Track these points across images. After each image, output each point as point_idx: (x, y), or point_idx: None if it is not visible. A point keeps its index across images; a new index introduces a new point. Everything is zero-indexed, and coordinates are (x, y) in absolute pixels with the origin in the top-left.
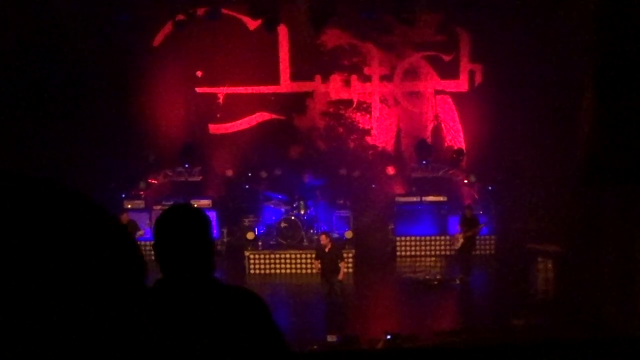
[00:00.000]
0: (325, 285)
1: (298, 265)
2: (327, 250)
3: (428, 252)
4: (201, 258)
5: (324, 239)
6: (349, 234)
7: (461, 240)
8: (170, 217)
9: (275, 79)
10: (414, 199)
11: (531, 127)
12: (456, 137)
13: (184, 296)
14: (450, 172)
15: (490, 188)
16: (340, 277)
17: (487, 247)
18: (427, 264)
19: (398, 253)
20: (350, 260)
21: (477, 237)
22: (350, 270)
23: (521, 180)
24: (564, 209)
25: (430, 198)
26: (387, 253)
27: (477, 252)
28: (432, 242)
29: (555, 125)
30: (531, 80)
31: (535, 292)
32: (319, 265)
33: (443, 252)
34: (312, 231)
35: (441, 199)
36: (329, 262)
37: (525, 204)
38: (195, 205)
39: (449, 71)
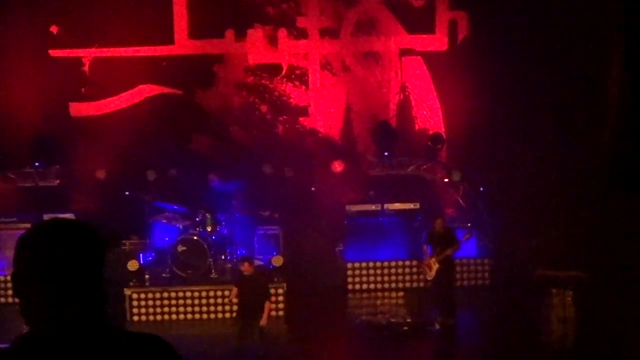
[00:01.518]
0: (243, 332)
1: (203, 308)
2: (248, 281)
3: (393, 285)
4: (85, 297)
5: (247, 268)
6: (277, 260)
7: (434, 267)
8: (39, 238)
9: (167, 37)
10: (373, 207)
11: (538, 104)
12: (432, 117)
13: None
14: (425, 167)
15: (481, 190)
16: (263, 322)
17: (480, 275)
18: (393, 301)
19: (350, 286)
20: (280, 297)
21: (468, 262)
22: (280, 312)
23: (526, 182)
24: (585, 223)
25: (397, 206)
26: (334, 287)
27: (464, 282)
28: (399, 270)
29: (571, 107)
30: (538, 39)
31: (549, 339)
32: (236, 299)
33: (414, 285)
34: (223, 257)
35: (412, 206)
36: (250, 298)
37: (532, 214)
38: (72, 219)
39: (420, 22)
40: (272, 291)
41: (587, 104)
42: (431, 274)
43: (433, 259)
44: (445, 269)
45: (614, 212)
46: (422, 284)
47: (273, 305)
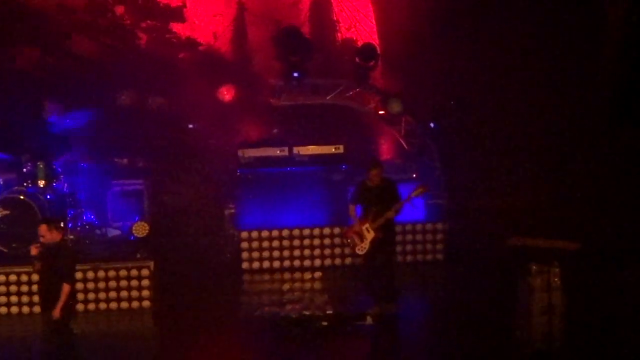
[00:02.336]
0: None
1: (32, 298)
2: (47, 254)
3: (307, 263)
4: None
5: (45, 233)
6: (140, 229)
7: (368, 236)
8: None
9: None
10: (277, 152)
11: (515, 9)
12: (361, 22)
13: None
14: (351, 94)
15: (432, 127)
16: (55, 313)
17: (431, 247)
18: (307, 285)
19: (246, 265)
20: (144, 282)
21: (414, 229)
22: (144, 302)
23: (495, 117)
24: (577, 175)
25: (311, 150)
26: (223, 265)
27: (409, 257)
28: (315, 242)
29: (561, 23)
30: None
31: (528, 335)
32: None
33: (337, 262)
34: (63, 225)
35: (332, 150)
36: (45, 278)
37: (503, 163)
38: None
39: None
40: (134, 272)
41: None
42: (363, 247)
43: (366, 225)
44: (383, 238)
45: (615, 159)
46: (348, 261)
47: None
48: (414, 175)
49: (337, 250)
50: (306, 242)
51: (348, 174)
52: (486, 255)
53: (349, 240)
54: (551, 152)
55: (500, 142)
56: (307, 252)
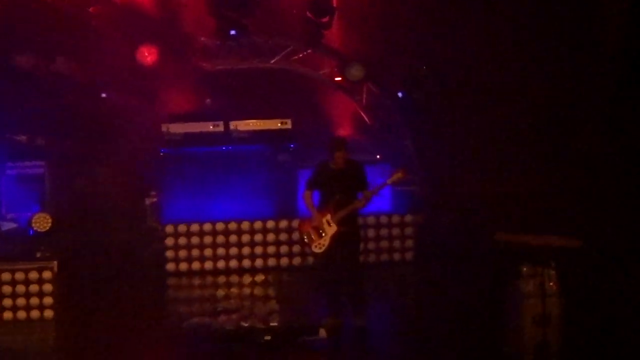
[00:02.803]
0: None
1: None
2: None
3: (247, 263)
4: None
5: None
6: (41, 221)
7: (329, 231)
8: None
9: None
10: (210, 127)
11: None
12: None
13: None
14: (303, 56)
15: (400, 97)
16: None
17: (399, 244)
18: (246, 291)
19: (171, 266)
20: (46, 286)
21: (378, 221)
22: (46, 312)
23: (479, 84)
24: (576, 157)
25: (253, 125)
26: (143, 266)
27: (373, 257)
28: (257, 238)
29: None
30: None
31: (519, 349)
32: None
33: (284, 262)
34: None
35: (279, 125)
36: None
37: (487, 142)
38: None
39: None
40: (34, 275)
41: None
42: (321, 243)
43: (327, 217)
44: (347, 233)
45: (618, 145)
46: (298, 261)
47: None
48: (378, 157)
49: (284, 248)
50: (245, 238)
51: (297, 155)
52: (466, 254)
53: (304, 236)
54: (546, 133)
55: (485, 119)
56: (246, 250)
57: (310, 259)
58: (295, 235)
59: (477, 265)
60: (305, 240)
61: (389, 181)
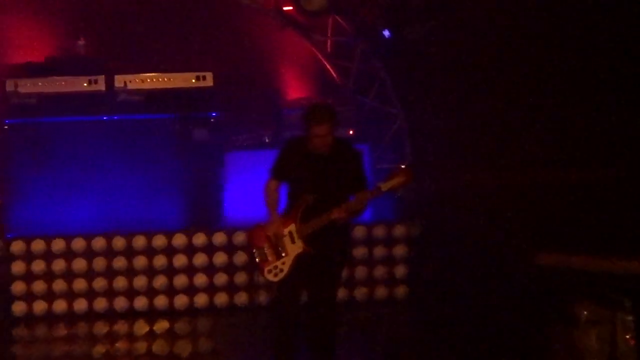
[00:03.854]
0: None
1: None
2: None
3: (141, 305)
4: None
5: None
6: None
7: (292, 249)
8: None
9: None
10: (85, 85)
11: None
12: None
13: None
14: None
15: (387, 37)
16: None
17: (382, 273)
18: (140, 350)
19: (21, 308)
20: None
21: (355, 236)
22: None
23: (495, 33)
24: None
25: (152, 82)
26: None
27: (339, 294)
28: (160, 261)
29: None
30: None
31: None
32: None
33: (204, 302)
34: None
35: (193, 82)
36: None
37: (509, 111)
38: None
39: None
40: None
41: None
42: (279, 267)
43: (291, 227)
44: (319, 258)
45: None
46: (223, 300)
47: None
48: (351, 132)
49: (202, 280)
50: (140, 261)
51: (223, 129)
52: (487, 287)
53: (255, 253)
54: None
55: (505, 75)
56: (141, 281)
57: (263, 295)
58: (237, 256)
59: (506, 305)
60: (256, 259)
61: (384, 186)
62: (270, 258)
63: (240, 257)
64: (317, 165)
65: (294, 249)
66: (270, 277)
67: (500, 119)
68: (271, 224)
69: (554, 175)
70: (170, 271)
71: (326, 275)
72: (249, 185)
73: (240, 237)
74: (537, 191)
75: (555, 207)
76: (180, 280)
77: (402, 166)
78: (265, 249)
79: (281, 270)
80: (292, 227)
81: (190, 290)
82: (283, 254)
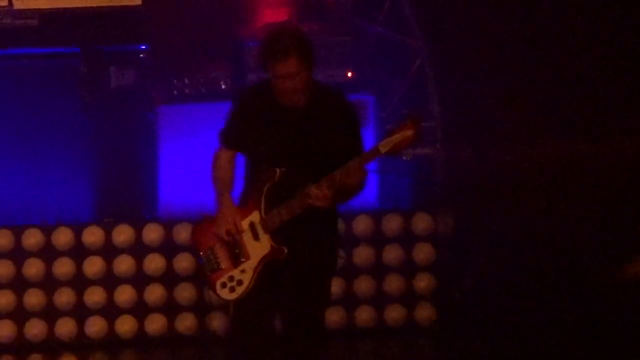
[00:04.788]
0: None
1: None
2: None
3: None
4: None
5: None
6: None
7: (256, 250)
8: None
9: None
10: None
11: None
12: None
13: None
14: None
15: None
16: None
17: (404, 288)
18: None
19: None
20: None
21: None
22: None
23: None
24: None
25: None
26: None
27: (334, 318)
28: (64, 268)
29: None
30: None
31: None
32: None
33: (126, 333)
34: None
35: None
36: None
37: (564, 62)
38: None
39: None
40: None
41: None
42: (237, 279)
43: (253, 218)
44: (296, 259)
45: None
46: (187, 326)
47: None
48: (349, 75)
49: (127, 295)
50: (33, 268)
51: (157, 71)
52: (552, 310)
53: (203, 258)
54: None
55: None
56: (36, 298)
57: (217, 320)
58: (178, 261)
59: (579, 336)
60: (205, 269)
61: (382, 145)
62: (223, 265)
63: (183, 262)
64: (287, 126)
65: (258, 250)
66: (224, 293)
67: (576, 64)
68: (224, 215)
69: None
70: (80, 282)
71: (309, 288)
72: (195, 156)
73: (183, 233)
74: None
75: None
76: (94, 296)
77: (408, 115)
78: (217, 252)
79: (240, 283)
80: (254, 217)
81: (109, 311)
82: (242, 259)
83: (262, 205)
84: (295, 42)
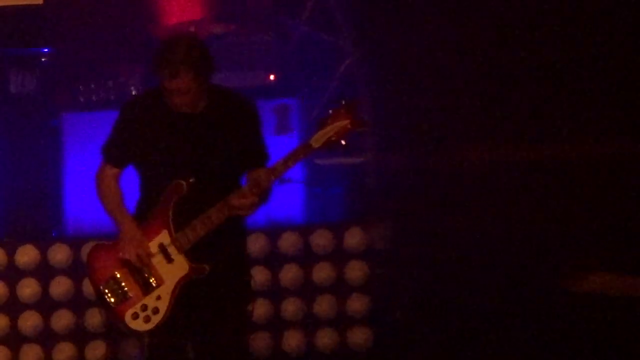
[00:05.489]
0: None
1: None
2: None
3: None
4: None
5: None
6: None
7: (172, 272)
8: None
9: None
10: None
11: None
12: None
13: None
14: None
15: None
16: None
17: (337, 305)
18: None
19: None
20: None
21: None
22: None
23: None
24: None
25: None
26: None
27: (265, 342)
28: None
29: None
30: None
31: None
32: None
33: None
34: None
35: None
36: None
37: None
38: None
39: None
40: None
41: None
42: (150, 307)
43: (162, 238)
44: (215, 279)
45: None
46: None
47: None
48: (272, 77)
49: (32, 321)
50: None
51: (61, 76)
52: (497, 329)
53: (104, 291)
54: None
55: None
56: None
57: (133, 347)
58: (88, 284)
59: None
60: (108, 301)
61: (314, 140)
62: (131, 294)
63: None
64: (185, 132)
65: (173, 272)
66: (138, 325)
67: (512, 65)
68: (129, 239)
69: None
70: None
71: (228, 311)
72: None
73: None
74: (582, 175)
75: (608, 200)
76: None
77: (342, 102)
78: (121, 280)
79: (156, 311)
80: (162, 238)
81: (13, 342)
82: (154, 284)
83: (171, 223)
84: (189, 57)
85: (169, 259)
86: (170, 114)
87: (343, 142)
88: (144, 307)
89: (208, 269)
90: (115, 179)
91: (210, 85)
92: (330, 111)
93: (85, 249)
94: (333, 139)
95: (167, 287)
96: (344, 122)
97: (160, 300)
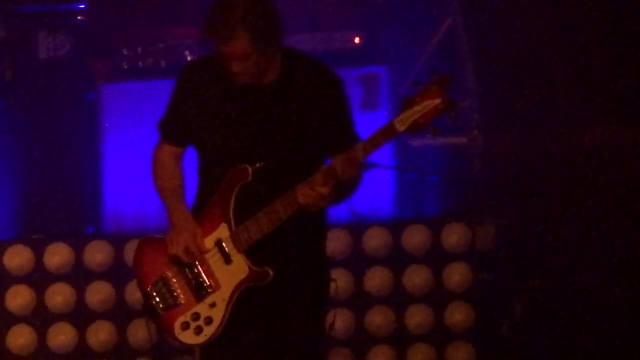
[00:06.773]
0: None
1: None
2: None
3: None
4: None
5: None
6: None
7: (230, 273)
8: None
9: None
10: None
11: None
12: None
13: None
14: None
15: None
16: None
17: (442, 310)
18: None
19: None
20: None
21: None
22: None
23: None
24: None
25: None
26: None
27: (373, 354)
28: None
29: None
30: None
31: None
32: None
33: None
34: None
35: None
36: None
37: None
38: None
39: None
40: None
41: None
42: (211, 317)
43: (220, 234)
44: (285, 283)
45: None
46: None
47: None
48: (357, 40)
49: (68, 334)
50: None
51: (98, 37)
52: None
53: (150, 294)
54: None
55: None
56: None
57: None
58: (132, 288)
59: None
60: (155, 306)
61: (399, 120)
62: (183, 300)
63: (137, 292)
64: (253, 108)
65: (230, 275)
66: (188, 337)
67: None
68: (179, 231)
69: None
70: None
71: (303, 323)
72: (150, 151)
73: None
74: None
75: None
76: (18, 337)
77: (434, 76)
78: (171, 283)
79: (209, 321)
80: (220, 233)
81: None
82: (209, 289)
83: (232, 216)
84: (246, 15)
85: (227, 259)
86: (234, 86)
87: (433, 133)
88: (196, 316)
89: (272, 274)
90: (173, 158)
91: (285, 50)
92: (420, 87)
93: (129, 249)
94: (421, 120)
95: (222, 293)
96: (435, 102)
97: (214, 308)
